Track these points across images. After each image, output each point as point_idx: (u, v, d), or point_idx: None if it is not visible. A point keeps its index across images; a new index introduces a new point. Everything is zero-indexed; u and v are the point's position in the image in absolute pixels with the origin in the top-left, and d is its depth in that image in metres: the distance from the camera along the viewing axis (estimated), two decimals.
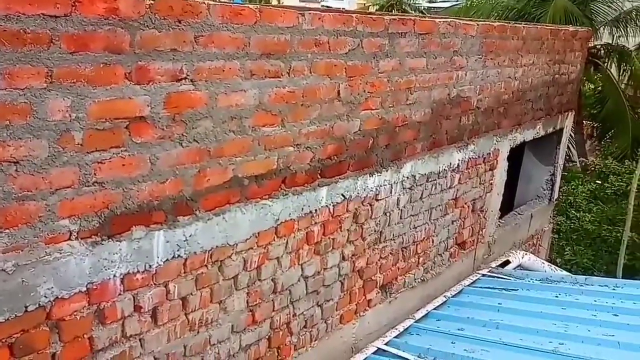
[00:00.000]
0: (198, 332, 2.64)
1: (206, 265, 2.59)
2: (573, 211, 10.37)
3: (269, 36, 2.58)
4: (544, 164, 5.95)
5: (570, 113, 5.95)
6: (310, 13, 2.75)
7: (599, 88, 13.86)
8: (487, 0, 12.89)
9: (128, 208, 2.21)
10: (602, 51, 13.51)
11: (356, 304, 3.61)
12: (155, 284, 2.39)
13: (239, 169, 2.61)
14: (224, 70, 2.42)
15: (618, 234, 9.15)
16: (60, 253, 2.03)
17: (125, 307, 2.30)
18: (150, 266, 2.34)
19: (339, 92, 3.02)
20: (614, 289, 4.16)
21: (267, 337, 3.02)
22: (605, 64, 13.02)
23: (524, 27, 4.69)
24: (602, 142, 13.72)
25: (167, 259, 2.40)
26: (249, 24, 2.48)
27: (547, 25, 6.49)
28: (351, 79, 3.07)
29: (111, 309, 2.25)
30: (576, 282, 4.38)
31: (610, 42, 13.54)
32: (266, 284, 2.93)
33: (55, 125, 1.93)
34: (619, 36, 13.08)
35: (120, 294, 2.26)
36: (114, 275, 2.22)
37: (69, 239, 2.05)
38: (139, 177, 2.22)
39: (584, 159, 12.85)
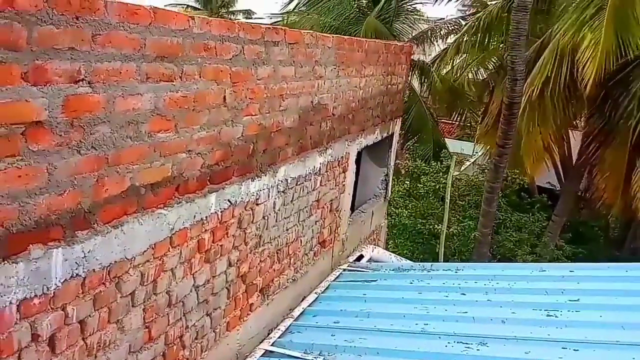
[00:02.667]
0: (96, 356, 2.36)
1: (104, 283, 2.33)
2: (392, 208, 11.28)
3: (163, 38, 2.42)
4: (379, 165, 6.38)
5: (398, 119, 6.47)
6: (199, 17, 2.64)
7: (405, 98, 15.28)
8: (306, 19, 13.47)
9: (24, 225, 1.91)
10: None
11: (240, 310, 3.52)
12: (53, 308, 2.09)
13: (136, 177, 2.40)
14: (121, 72, 2.21)
15: (431, 227, 10.19)
16: None
17: (23, 337, 1.98)
18: (48, 289, 2.04)
19: (224, 97, 2.93)
20: (456, 272, 4.62)
21: (162, 353, 2.80)
22: (409, 77, 14.42)
23: (366, 41, 5.00)
24: (410, 146, 15.13)
25: (66, 279, 2.12)
26: (144, 24, 2.30)
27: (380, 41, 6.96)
28: (235, 84, 3.00)
29: (7, 340, 1.92)
30: (424, 269, 4.78)
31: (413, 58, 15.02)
32: (161, 297, 2.72)
33: None
34: (419, 53, 14.58)
35: (16, 323, 1.94)
36: (10, 302, 1.90)
37: None
38: (36, 189, 1.93)
39: (398, 161, 14.08)
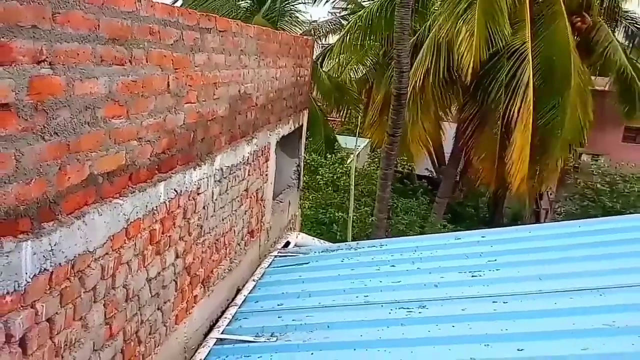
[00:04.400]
0: (62, 357, 2.20)
1: (69, 278, 2.18)
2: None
3: (114, 20, 2.30)
4: (290, 156, 6.44)
5: (306, 111, 6.58)
6: (145, 0, 2.54)
7: None
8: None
9: None
10: None
11: (186, 302, 3.43)
12: (24, 305, 1.93)
13: (95, 165, 2.27)
14: (78, 54, 2.08)
15: (331, 215, 10.44)
16: None
17: None
18: (19, 285, 1.88)
19: (168, 83, 2.84)
20: (381, 247, 4.82)
21: (121, 350, 2.67)
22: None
23: (281, 33, 5.04)
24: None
25: (35, 274, 1.96)
26: (98, 4, 2.18)
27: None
28: (177, 70, 2.92)
29: None
30: (350, 247, 4.93)
31: None
32: (120, 291, 2.59)
33: None
34: None
35: None
36: None
37: None
38: (5, 177, 1.77)
39: None
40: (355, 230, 11.10)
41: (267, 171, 4.98)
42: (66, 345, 2.21)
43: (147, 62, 2.60)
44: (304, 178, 12.54)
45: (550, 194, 18.27)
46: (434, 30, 12.25)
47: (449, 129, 15.58)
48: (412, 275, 4.12)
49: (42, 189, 1.96)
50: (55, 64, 1.95)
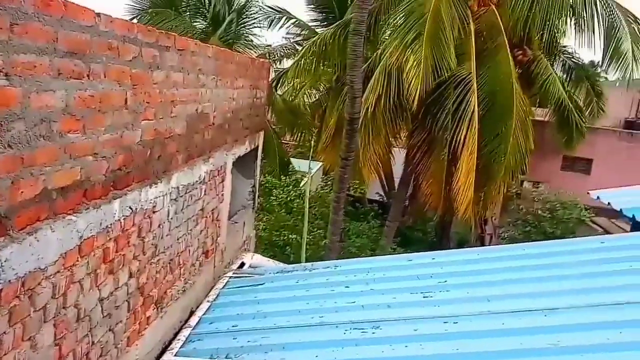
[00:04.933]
0: None
1: (19, 296, 2.08)
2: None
3: (72, 33, 2.26)
4: (246, 177, 6.40)
5: (262, 132, 6.57)
6: (104, 15, 2.50)
7: None
8: None
9: None
10: None
11: (139, 324, 3.32)
12: None
13: (49, 180, 2.19)
14: (35, 66, 2.03)
15: (285, 237, 10.38)
16: None
17: None
18: None
19: (126, 99, 2.79)
20: (335, 268, 4.82)
21: None
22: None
23: (237, 54, 5.04)
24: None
25: None
26: (56, 17, 2.13)
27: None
28: (135, 87, 2.87)
29: None
30: (305, 269, 4.90)
31: None
32: (71, 311, 2.49)
33: None
34: None
35: None
36: None
37: None
38: None
39: None
40: (308, 252, 11.08)
41: (223, 191, 4.93)
42: None
43: (105, 77, 2.55)
44: (259, 200, 12.51)
45: (495, 220, 18.81)
46: (385, 57, 12.55)
47: (399, 154, 15.89)
48: (365, 296, 4.13)
49: None
50: (11, 75, 1.89)
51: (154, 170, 3.25)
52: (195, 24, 14.42)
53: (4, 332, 2.01)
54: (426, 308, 3.87)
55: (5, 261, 1.96)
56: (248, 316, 3.91)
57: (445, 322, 3.62)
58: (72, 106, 2.30)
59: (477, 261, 4.73)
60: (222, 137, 4.69)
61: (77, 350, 2.59)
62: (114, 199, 2.77)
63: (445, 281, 4.30)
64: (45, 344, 2.30)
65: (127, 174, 2.89)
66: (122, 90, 2.73)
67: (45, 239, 2.19)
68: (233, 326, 3.78)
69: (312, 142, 15.97)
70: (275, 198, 12.15)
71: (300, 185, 13.72)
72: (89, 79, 2.41)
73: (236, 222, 5.85)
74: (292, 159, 16.78)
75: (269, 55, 15.48)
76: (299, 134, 17.23)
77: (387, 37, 14.05)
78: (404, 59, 12.25)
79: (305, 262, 9.58)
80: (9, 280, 1.99)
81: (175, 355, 3.40)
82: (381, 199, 18.93)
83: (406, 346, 3.41)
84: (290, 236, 10.95)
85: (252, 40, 14.89)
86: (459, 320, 3.63)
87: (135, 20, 13.55)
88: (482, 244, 19.41)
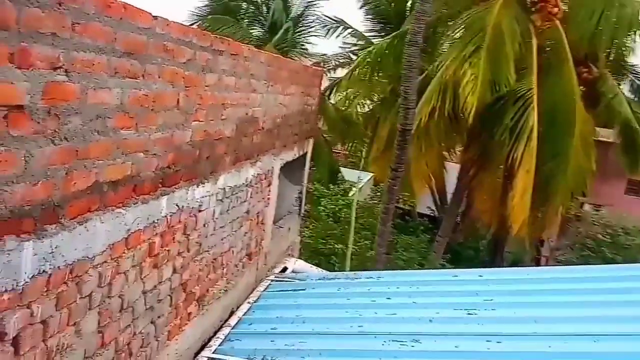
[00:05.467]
0: None
1: (66, 283, 2.20)
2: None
3: (130, 34, 2.38)
4: (293, 183, 6.49)
5: (311, 139, 6.66)
6: (161, 18, 2.62)
7: None
8: None
9: (0, 214, 1.78)
10: None
11: (180, 319, 3.42)
12: (20, 305, 1.94)
13: (101, 173, 2.31)
14: (94, 64, 2.15)
15: (330, 246, 10.42)
16: None
17: None
18: (17, 284, 1.90)
19: (178, 100, 2.91)
20: (378, 279, 4.82)
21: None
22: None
23: (290, 61, 5.15)
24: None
25: (34, 275, 1.98)
26: (116, 18, 2.26)
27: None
28: (187, 88, 2.99)
29: None
30: (348, 277, 4.92)
31: None
32: (115, 301, 2.60)
33: None
34: None
35: None
36: None
37: None
38: (13, 177, 1.82)
39: None
40: (354, 263, 11.06)
41: (269, 195, 5.02)
42: (58, 349, 2.21)
43: (159, 77, 2.67)
44: (306, 207, 12.60)
45: (551, 242, 18.22)
46: (441, 70, 12.44)
47: (453, 169, 15.67)
48: (407, 308, 4.10)
49: (48, 192, 2.00)
50: (70, 72, 2.01)
51: (202, 170, 3.36)
52: (252, 31, 14.76)
53: (51, 316, 2.13)
54: (469, 325, 3.81)
55: (55, 248, 2.08)
56: (287, 320, 3.97)
57: (488, 341, 3.55)
58: (127, 104, 2.42)
59: (526, 281, 4.62)
60: (270, 141, 4.78)
61: (120, 339, 2.71)
62: (162, 196, 2.88)
63: (492, 299, 4.21)
64: (89, 331, 2.42)
65: (175, 172, 3.01)
66: (175, 91, 2.85)
67: (94, 229, 2.31)
68: (272, 329, 3.84)
69: (364, 152, 15.97)
70: (323, 207, 12.21)
71: (350, 195, 13.74)
72: (143, 78, 2.53)
73: (281, 227, 5.93)
74: (342, 169, 16.84)
75: (324, 64, 15.64)
76: (351, 144, 17.26)
77: (444, 50, 13.92)
78: (461, 72, 12.11)
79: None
80: (58, 267, 2.11)
81: (213, 353, 3.48)
82: (432, 214, 18.69)
83: None
84: (336, 245, 10.98)
85: (307, 49, 15.14)
86: (503, 340, 3.56)
87: (195, 26, 14.02)
88: (537, 266, 18.83)
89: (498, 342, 3.52)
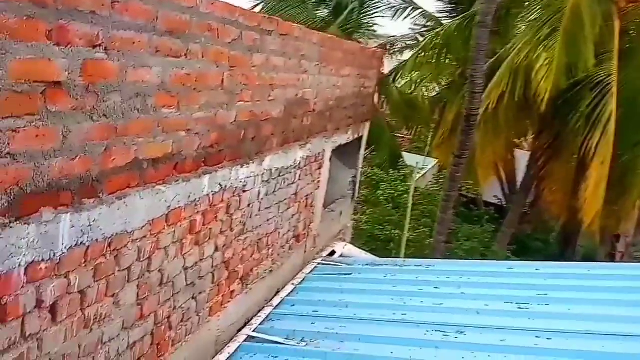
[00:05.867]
0: (91, 329, 2.31)
1: (105, 255, 2.30)
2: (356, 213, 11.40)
3: (172, 13, 2.43)
4: (347, 167, 6.47)
5: (368, 123, 6.60)
6: None
7: None
8: None
9: (38, 186, 1.87)
10: None
11: (222, 296, 3.51)
12: (57, 274, 2.05)
13: (141, 150, 2.38)
14: (134, 43, 2.21)
15: (388, 233, 10.37)
16: None
17: (28, 302, 1.93)
18: (54, 254, 2.00)
19: (223, 80, 2.95)
20: (428, 267, 4.75)
21: (151, 332, 2.77)
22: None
23: (345, 42, 5.10)
24: (367, 155, 15.33)
25: (71, 247, 2.08)
26: None
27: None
28: (232, 69, 3.02)
29: (13, 304, 1.87)
30: (396, 264, 4.88)
31: None
32: (154, 275, 2.70)
33: None
34: None
35: (23, 287, 1.90)
36: (20, 264, 1.86)
37: None
38: (51, 151, 1.90)
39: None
40: (411, 250, 10.95)
41: (319, 178, 5.03)
42: (96, 318, 2.32)
43: (203, 57, 2.71)
44: (364, 192, 12.55)
45: (627, 237, 17.29)
46: (513, 53, 11.96)
47: (524, 157, 15.12)
48: (454, 299, 4.02)
49: (86, 167, 2.08)
50: (110, 50, 2.08)
51: (247, 150, 3.40)
52: (317, 12, 14.72)
53: (89, 286, 2.23)
54: (519, 319, 3.69)
55: (93, 221, 2.17)
56: (330, 303, 3.98)
57: (537, 337, 3.43)
58: (168, 83, 2.47)
59: (585, 277, 4.41)
60: (322, 124, 4.77)
61: (159, 313, 2.81)
62: (204, 175, 2.95)
63: (546, 294, 4.06)
64: (128, 302, 2.52)
65: (219, 152, 3.06)
66: (219, 70, 2.89)
67: (133, 204, 2.39)
68: (313, 311, 3.87)
69: (429, 137, 15.68)
70: (382, 192, 12.12)
71: (413, 181, 13.56)
72: (186, 57, 2.57)
73: (333, 211, 5.94)
74: (406, 154, 16.60)
75: (390, 46, 15.42)
76: (416, 129, 16.98)
77: (518, 32, 13.37)
78: (535, 55, 11.59)
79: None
80: (96, 239, 2.21)
81: (253, 331, 3.56)
82: (499, 203, 18.14)
83: (489, 356, 3.28)
84: (393, 232, 10.90)
85: (373, 30, 14.92)
86: (554, 337, 3.42)
87: (260, 7, 14.13)
88: (612, 262, 17.95)
89: (548, 339, 3.39)
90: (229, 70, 2.98)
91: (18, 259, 1.84)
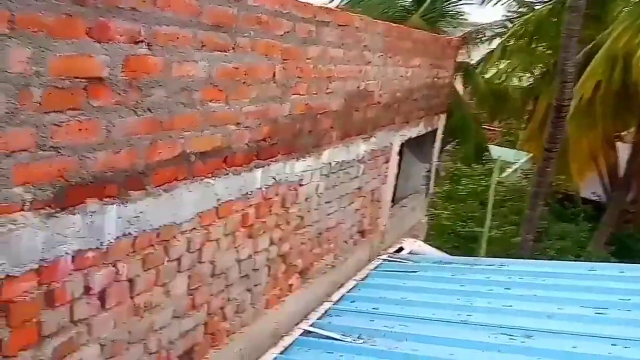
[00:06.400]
0: (142, 317, 2.42)
1: (153, 245, 2.39)
2: (431, 209, 11.16)
3: (218, 7, 2.48)
4: (421, 161, 6.34)
5: (443, 115, 6.43)
6: None
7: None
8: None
9: (83, 178, 1.98)
10: None
11: (280, 289, 3.56)
12: (105, 263, 2.16)
13: (188, 144, 2.46)
14: (178, 38, 2.28)
15: (470, 229, 10.05)
16: (14, 225, 1.77)
17: (75, 289, 2.05)
18: (101, 244, 2.12)
19: (274, 73, 2.98)
20: (500, 267, 4.56)
21: (204, 322, 2.86)
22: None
23: (414, 31, 5.00)
24: (451, 148, 14.97)
25: (118, 237, 2.19)
26: None
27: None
28: (285, 61, 3.04)
29: (61, 290, 1.99)
30: (467, 263, 4.73)
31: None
32: (206, 267, 2.78)
33: (14, 78, 1.68)
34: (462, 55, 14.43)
35: (70, 274, 2.02)
36: (66, 253, 1.98)
37: (22, 209, 1.79)
38: (95, 144, 2.01)
39: (438, 162, 13.91)
40: (495, 249, 10.55)
41: (386, 172, 4.97)
42: (146, 306, 2.43)
43: (252, 50, 2.75)
44: (445, 187, 12.25)
45: None
46: (611, 39, 11.18)
47: (626, 150, 14.12)
48: (525, 301, 3.83)
49: (132, 160, 2.18)
50: (153, 45, 2.16)
51: (303, 144, 3.42)
52: (399, 2, 14.49)
53: (137, 275, 2.34)
54: (594, 325, 3.46)
55: (140, 212, 2.27)
56: (391, 301, 3.93)
57: (613, 345, 3.21)
58: (215, 77, 2.53)
59: None
60: (388, 116, 4.71)
61: (212, 303, 2.89)
62: (256, 168, 3.00)
63: (629, 299, 3.78)
64: (179, 292, 2.62)
65: (271, 145, 3.10)
66: (270, 64, 2.92)
67: (181, 197, 2.48)
68: (373, 308, 3.84)
69: (518, 131, 15.02)
70: (463, 187, 11.76)
71: (499, 176, 13.04)
72: (234, 51, 2.62)
73: (404, 206, 5.85)
74: (496, 147, 15.98)
75: (477, 35, 14.89)
76: (505, 121, 16.31)
77: (617, 16, 12.47)
78: (637, 41, 10.77)
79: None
80: (144, 230, 2.31)
81: (310, 326, 3.58)
82: (598, 199, 17.04)
83: None
84: (476, 229, 10.54)
85: (458, 18, 14.46)
86: (632, 346, 3.18)
87: (335, 3, 14.06)
88: None
89: (625, 347, 3.16)
90: (281, 63, 3.01)
91: (64, 247, 1.96)
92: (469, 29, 14.90)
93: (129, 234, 2.24)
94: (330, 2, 14.11)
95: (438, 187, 12.03)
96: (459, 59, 14.25)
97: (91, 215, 2.04)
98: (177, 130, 2.38)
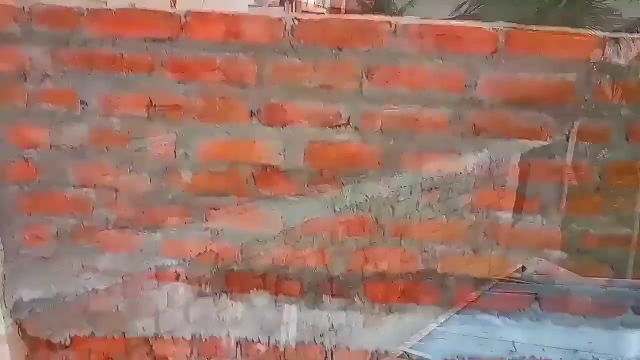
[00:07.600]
0: None
1: None
2: None
3: None
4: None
5: (575, 122, 5.97)
6: None
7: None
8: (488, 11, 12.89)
9: None
10: None
11: (377, 308, 3.54)
12: None
13: None
14: None
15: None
16: None
17: None
18: None
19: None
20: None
21: None
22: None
23: (530, 29, 4.73)
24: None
25: None
26: None
27: None
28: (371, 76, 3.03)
29: None
30: (601, 286, 4.31)
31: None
32: None
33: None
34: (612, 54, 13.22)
35: None
36: None
37: None
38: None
39: None
40: None
41: (503, 186, 4.73)
42: None
43: None
44: None
45: None
46: None
47: None
48: None
49: None
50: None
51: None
52: None
53: None
54: None
55: None
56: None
57: None
58: None
59: None
60: (503, 125, 4.48)
61: None
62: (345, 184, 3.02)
63: None
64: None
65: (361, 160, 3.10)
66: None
67: None
68: (483, 332, 3.66)
69: None
70: None
71: None
72: None
73: (531, 222, 5.51)
74: None
75: (630, 30, 13.58)
76: None
77: None
78: None
79: None
80: None
81: (409, 348, 3.52)
82: None
83: None
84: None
85: (607, 13, 13.32)
86: None
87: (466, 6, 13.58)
88: None
89: None
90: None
91: None
92: (619, 25, 13.69)
93: None
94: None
95: None
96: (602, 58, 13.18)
97: None
98: None
